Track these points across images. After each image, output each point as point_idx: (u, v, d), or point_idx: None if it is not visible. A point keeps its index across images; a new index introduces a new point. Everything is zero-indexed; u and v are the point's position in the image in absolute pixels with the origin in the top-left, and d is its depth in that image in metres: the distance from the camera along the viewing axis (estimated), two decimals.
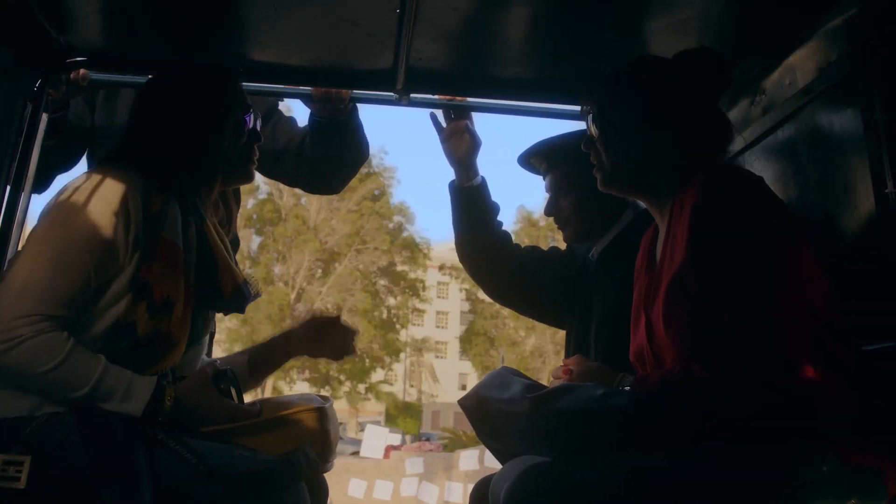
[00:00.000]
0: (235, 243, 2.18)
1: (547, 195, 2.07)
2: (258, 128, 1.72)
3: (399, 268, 24.89)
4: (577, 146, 1.64)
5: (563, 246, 2.19)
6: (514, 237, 2.22)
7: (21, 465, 1.31)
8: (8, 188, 1.75)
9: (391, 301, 25.06)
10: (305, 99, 2.10)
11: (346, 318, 1.82)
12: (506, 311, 22.72)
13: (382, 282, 24.63)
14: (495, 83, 1.95)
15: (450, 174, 2.16)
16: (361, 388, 24.87)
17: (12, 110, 1.77)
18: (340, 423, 1.67)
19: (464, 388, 30.54)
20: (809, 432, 1.24)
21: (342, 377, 23.08)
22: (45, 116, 1.83)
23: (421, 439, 15.65)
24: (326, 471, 1.56)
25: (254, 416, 1.53)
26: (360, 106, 2.17)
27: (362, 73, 1.90)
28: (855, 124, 1.45)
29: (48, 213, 1.48)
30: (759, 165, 1.80)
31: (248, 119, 1.68)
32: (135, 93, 1.83)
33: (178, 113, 1.62)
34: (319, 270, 23.22)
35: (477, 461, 8.10)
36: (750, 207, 1.32)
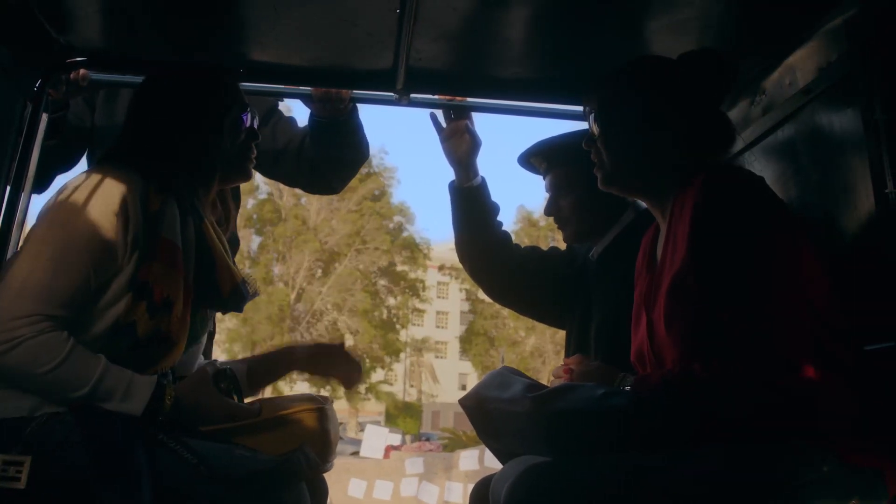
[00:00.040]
0: (235, 243, 2.18)
1: (547, 195, 2.07)
2: (256, 126, 1.72)
3: (399, 268, 24.88)
4: (578, 146, 1.65)
5: (563, 246, 2.19)
6: (514, 237, 2.22)
7: (21, 465, 1.31)
8: (8, 188, 1.75)
9: (391, 301, 25.05)
10: (305, 99, 2.10)
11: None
12: (506, 311, 22.71)
13: (382, 282, 24.62)
14: (495, 83, 1.95)
15: (450, 174, 2.16)
16: (361, 388, 24.85)
17: (12, 110, 1.77)
18: (340, 423, 1.66)
19: (464, 388, 30.54)
20: (809, 432, 1.24)
21: None
22: (45, 116, 1.83)
23: (421, 439, 15.65)
24: (326, 471, 1.56)
25: (254, 416, 1.53)
26: (360, 106, 2.17)
27: (362, 73, 1.90)
28: (855, 124, 1.45)
29: (47, 213, 1.48)
30: (759, 165, 1.80)
31: (245, 118, 1.69)
32: (131, 92, 1.83)
33: (176, 112, 1.62)
34: (319, 270, 23.21)
35: (477, 461, 8.09)
36: (750, 207, 1.32)
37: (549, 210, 2.05)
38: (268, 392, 1.83)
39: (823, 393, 1.24)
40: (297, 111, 16.51)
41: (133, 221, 1.46)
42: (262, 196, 22.84)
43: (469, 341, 28.48)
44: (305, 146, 2.27)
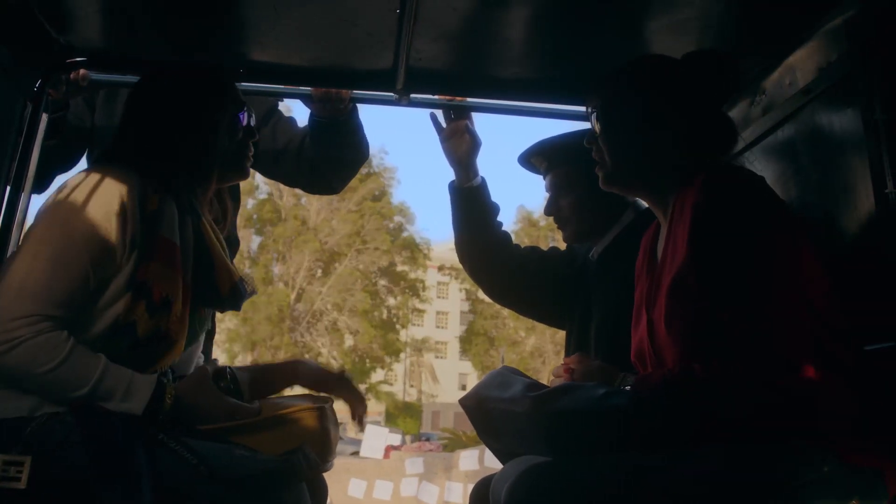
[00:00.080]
0: (235, 243, 2.18)
1: (547, 195, 2.07)
2: (253, 124, 1.72)
3: (399, 268, 24.88)
4: (578, 146, 1.65)
5: (563, 246, 2.19)
6: (514, 237, 2.22)
7: (21, 465, 1.31)
8: (8, 188, 1.75)
9: (391, 301, 25.06)
10: (305, 99, 2.10)
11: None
12: (506, 311, 22.70)
13: (382, 282, 24.63)
14: (495, 83, 1.95)
15: (450, 174, 2.16)
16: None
17: (12, 110, 1.77)
18: (340, 423, 1.66)
19: (464, 388, 30.53)
20: (809, 432, 1.24)
21: None
22: (45, 116, 1.83)
23: (421, 439, 15.64)
24: (326, 470, 1.56)
25: (253, 415, 1.53)
26: (360, 106, 2.17)
27: (362, 73, 1.90)
28: (855, 124, 1.45)
29: (45, 213, 1.48)
30: (759, 165, 1.80)
31: (242, 116, 1.69)
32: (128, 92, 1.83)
33: (173, 111, 1.62)
34: (319, 270, 23.21)
35: (477, 461, 8.09)
36: (750, 207, 1.32)
37: (549, 210, 2.05)
38: None
39: (823, 393, 1.24)
40: (297, 111, 16.51)
41: (131, 221, 1.46)
42: (262, 196, 22.87)
43: (469, 341, 28.49)
44: (305, 146, 2.27)
